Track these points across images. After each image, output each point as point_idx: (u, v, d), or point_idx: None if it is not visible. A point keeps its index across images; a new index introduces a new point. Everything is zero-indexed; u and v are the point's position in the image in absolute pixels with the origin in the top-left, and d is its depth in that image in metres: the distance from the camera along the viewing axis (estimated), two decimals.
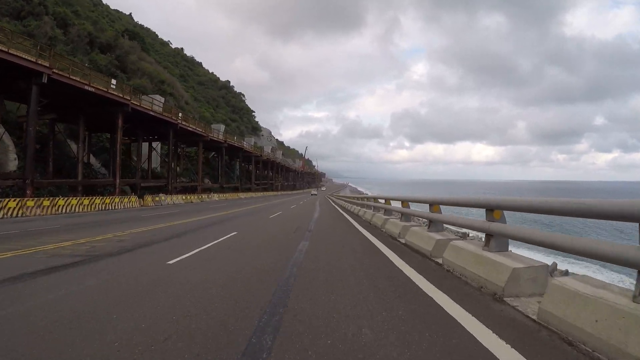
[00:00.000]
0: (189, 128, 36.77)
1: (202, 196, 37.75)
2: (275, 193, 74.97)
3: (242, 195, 50.80)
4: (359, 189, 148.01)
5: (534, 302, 3.25)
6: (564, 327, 2.61)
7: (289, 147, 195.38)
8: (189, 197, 34.54)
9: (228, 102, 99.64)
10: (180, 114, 35.90)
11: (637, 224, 2.42)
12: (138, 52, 58.23)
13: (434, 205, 6.39)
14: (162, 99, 40.34)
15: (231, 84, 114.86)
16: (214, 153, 56.02)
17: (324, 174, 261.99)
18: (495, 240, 4.18)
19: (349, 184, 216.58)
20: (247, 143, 66.64)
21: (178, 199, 32.61)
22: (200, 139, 41.01)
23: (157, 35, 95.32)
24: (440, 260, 5.23)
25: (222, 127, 58.35)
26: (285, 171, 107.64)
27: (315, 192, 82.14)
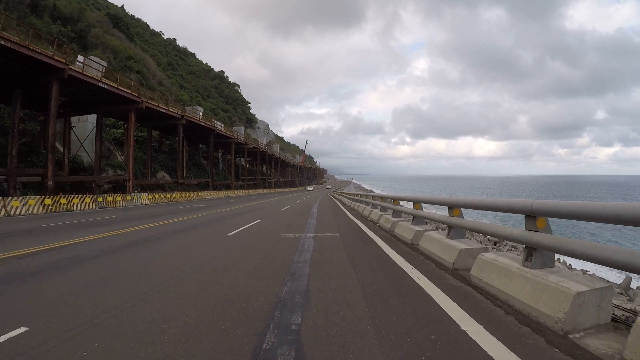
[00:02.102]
0: (116, 91, 24.75)
1: (119, 197, 24.35)
2: (265, 191, 64.35)
3: (207, 195, 38.30)
4: (364, 186, 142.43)
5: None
6: None
7: (289, 142, 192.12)
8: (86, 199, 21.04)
9: (221, 92, 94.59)
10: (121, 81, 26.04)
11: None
12: (106, 27, 52.11)
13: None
14: (105, 64, 30.11)
15: (225, 75, 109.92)
16: (189, 142, 45.91)
17: (326, 170, 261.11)
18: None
19: (353, 180, 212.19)
20: (238, 133, 58.08)
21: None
22: (132, 106, 27.14)
23: (148, 27, 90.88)
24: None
25: (200, 109, 49.06)
26: (283, 166, 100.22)
27: (312, 188, 72.01)
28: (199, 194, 37.15)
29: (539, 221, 3.50)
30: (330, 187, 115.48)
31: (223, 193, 44.12)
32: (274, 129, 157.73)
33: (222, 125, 50.49)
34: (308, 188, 73.66)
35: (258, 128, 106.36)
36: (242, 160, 66.24)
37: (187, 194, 34.53)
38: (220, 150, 57.10)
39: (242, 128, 74.20)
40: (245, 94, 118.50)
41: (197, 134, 43.56)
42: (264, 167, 79.12)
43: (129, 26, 67.43)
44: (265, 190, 65.38)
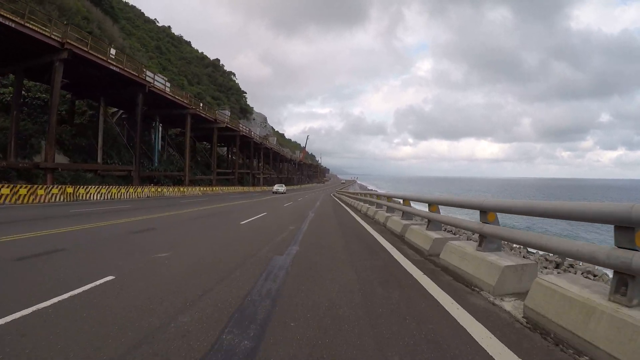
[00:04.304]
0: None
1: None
2: (240, 190, 48.31)
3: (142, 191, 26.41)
4: (370, 187, 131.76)
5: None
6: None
7: (290, 140, 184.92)
8: None
9: (214, 80, 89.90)
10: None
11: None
12: None
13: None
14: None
15: (221, 63, 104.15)
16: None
17: (328, 169, 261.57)
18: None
19: (357, 180, 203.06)
20: (220, 114, 47.10)
21: None
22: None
23: (143, 14, 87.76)
24: None
25: (164, 79, 36.09)
26: (277, 160, 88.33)
27: (283, 189, 45.95)
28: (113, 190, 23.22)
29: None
30: (346, 183, 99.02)
31: (146, 190, 27.22)
32: (277, 127, 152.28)
33: (166, 82, 35.09)
34: (277, 189, 45.87)
35: (254, 119, 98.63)
36: (211, 145, 46.84)
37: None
38: (175, 131, 44.35)
39: (228, 112, 59.86)
40: (250, 95, 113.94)
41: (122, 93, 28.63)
42: (256, 162, 67.48)
43: (116, 10, 61.61)
44: (241, 189, 49.32)
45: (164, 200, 22.55)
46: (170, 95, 32.89)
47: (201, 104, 42.75)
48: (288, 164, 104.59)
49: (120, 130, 33.19)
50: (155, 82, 30.61)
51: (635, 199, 65.91)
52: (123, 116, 35.98)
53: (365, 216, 13.90)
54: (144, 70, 29.31)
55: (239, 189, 49.48)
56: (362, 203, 17.83)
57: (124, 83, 26.68)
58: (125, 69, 25.55)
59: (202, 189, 37.86)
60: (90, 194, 21.17)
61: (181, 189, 32.63)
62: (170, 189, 31.00)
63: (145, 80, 28.13)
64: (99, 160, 28.19)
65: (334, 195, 42.52)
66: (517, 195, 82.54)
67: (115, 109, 35.20)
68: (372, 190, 76.69)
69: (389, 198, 11.46)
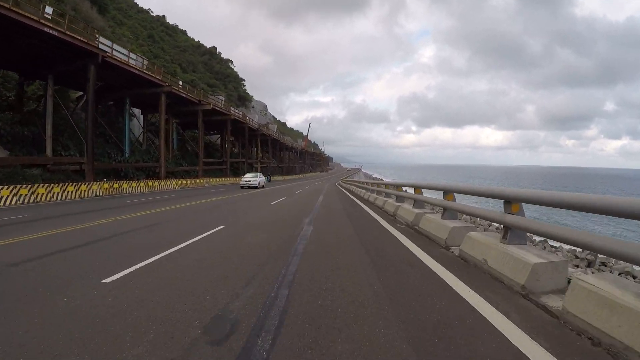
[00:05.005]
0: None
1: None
2: (232, 181, 42.36)
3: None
4: (374, 175, 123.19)
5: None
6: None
7: (292, 129, 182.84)
8: None
9: (211, 68, 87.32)
10: None
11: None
12: None
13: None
14: None
15: (218, 51, 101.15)
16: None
17: (331, 158, 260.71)
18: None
19: (362, 169, 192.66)
20: (214, 99, 42.95)
21: None
22: None
23: (136, 4, 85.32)
24: None
25: (142, 58, 30.65)
26: (277, 148, 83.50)
27: (255, 181, 30.18)
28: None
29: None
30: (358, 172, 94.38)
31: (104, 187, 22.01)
32: (279, 117, 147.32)
33: (144, 60, 30.10)
34: (245, 179, 30.29)
35: (253, 108, 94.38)
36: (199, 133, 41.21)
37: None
38: (148, 115, 38.74)
39: (222, 97, 55.11)
40: (251, 85, 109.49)
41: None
42: (255, 150, 63.54)
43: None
44: (234, 180, 42.87)
45: (91, 203, 15.81)
46: (136, 69, 26.12)
47: (180, 82, 36.03)
48: (289, 152, 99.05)
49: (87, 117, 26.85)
50: (115, 53, 24.11)
51: None
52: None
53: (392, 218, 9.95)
54: (97, 36, 22.64)
55: (231, 180, 43.26)
56: (375, 195, 16.17)
57: (72, 53, 20.96)
58: (68, 32, 19.32)
59: (181, 181, 31.78)
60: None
61: (149, 183, 27.22)
62: (134, 184, 25.37)
63: (97, 48, 21.59)
64: (49, 152, 22.68)
65: (339, 185, 38.58)
66: (524, 183, 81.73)
67: (81, 93, 29.03)
68: (377, 178, 74.82)
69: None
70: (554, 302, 3.18)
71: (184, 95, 33.87)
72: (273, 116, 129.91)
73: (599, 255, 9.52)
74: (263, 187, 31.17)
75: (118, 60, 24.02)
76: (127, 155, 30.21)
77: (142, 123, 36.93)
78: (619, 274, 8.57)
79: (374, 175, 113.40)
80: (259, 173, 35.70)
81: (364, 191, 20.23)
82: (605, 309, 2.50)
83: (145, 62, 29.97)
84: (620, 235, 18.82)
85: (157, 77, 29.15)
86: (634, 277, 8.54)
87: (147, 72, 27.82)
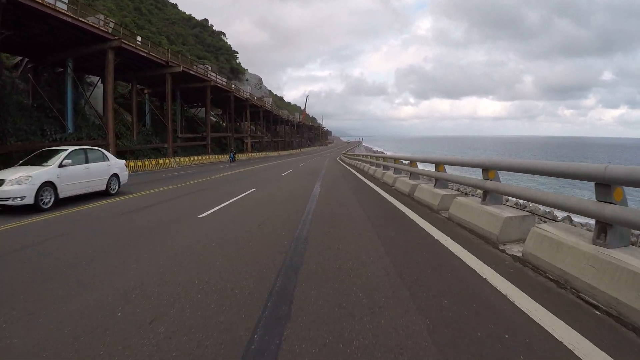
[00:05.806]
0: None
1: None
2: (212, 159, 37.27)
3: None
4: (375, 148, 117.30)
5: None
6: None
7: (289, 103, 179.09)
8: None
9: (202, 40, 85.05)
10: None
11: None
12: None
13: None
14: None
15: (210, 23, 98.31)
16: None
17: (330, 131, 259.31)
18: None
19: (362, 142, 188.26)
20: (204, 69, 39.98)
21: None
22: None
23: None
24: None
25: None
26: (270, 121, 78.15)
27: (19, 190, 7.29)
28: None
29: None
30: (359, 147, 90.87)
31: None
32: (276, 92, 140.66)
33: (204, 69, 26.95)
34: None
35: (247, 80, 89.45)
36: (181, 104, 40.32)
37: None
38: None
39: (209, 67, 50.42)
40: (248, 61, 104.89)
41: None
42: (244, 124, 58.74)
43: None
44: (215, 159, 38.48)
45: None
46: (65, 14, 19.19)
47: (139, 38, 29.65)
48: (285, 126, 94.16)
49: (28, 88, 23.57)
50: None
51: None
52: (29, 66, 24.79)
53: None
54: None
55: (212, 158, 37.98)
56: (374, 167, 16.33)
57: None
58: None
59: (136, 163, 24.02)
60: None
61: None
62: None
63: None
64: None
65: (340, 160, 35.88)
66: (521, 154, 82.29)
67: (20, 58, 24.99)
68: (378, 152, 73.47)
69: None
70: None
71: (143, 54, 27.07)
72: (270, 90, 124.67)
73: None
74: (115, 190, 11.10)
75: (37, 2, 17.39)
76: (70, 130, 24.61)
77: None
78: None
79: (375, 149, 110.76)
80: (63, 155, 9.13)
81: (367, 165, 19.57)
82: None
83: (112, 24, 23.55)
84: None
85: (101, 27, 22.39)
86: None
87: (82, 20, 20.76)
